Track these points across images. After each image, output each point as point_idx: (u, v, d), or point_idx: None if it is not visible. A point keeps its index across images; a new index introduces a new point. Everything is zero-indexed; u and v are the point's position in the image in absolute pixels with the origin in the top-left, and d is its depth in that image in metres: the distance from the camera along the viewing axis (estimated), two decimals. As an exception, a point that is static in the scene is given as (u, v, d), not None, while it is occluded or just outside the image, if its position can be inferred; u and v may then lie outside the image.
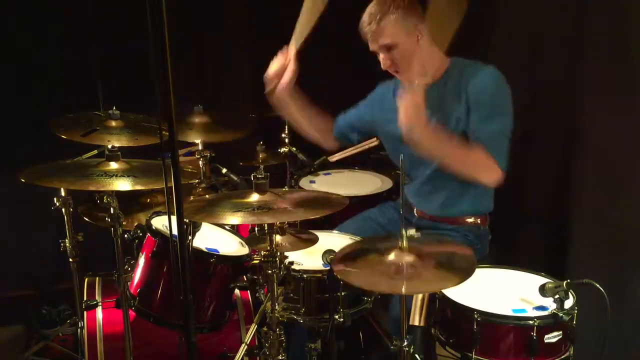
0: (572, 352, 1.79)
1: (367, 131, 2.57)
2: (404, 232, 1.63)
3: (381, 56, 2.22)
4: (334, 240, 2.24)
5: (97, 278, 2.30)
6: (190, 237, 1.81)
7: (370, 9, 2.18)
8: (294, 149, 2.87)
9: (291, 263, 1.88)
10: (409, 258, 1.61)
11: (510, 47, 2.59)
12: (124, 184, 1.81)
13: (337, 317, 1.92)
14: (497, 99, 2.11)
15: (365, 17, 2.18)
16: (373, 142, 2.82)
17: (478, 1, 2.69)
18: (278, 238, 1.83)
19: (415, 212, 2.38)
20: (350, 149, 2.95)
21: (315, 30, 2.14)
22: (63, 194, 2.31)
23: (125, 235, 2.09)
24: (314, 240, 1.94)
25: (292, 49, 2.20)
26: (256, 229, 1.86)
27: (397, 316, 1.78)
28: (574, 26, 2.28)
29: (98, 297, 2.21)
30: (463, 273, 1.59)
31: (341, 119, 2.58)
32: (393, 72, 2.26)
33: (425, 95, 1.98)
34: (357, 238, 2.24)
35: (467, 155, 2.07)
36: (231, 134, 2.71)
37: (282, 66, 2.22)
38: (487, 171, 2.06)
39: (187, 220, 1.72)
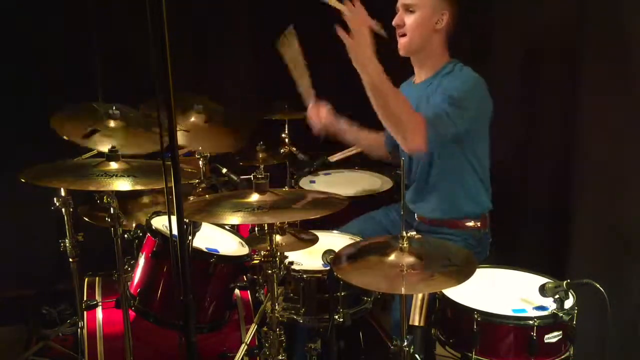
0: (572, 352, 1.79)
1: None
2: (404, 233, 1.63)
3: (399, 13, 2.21)
4: (334, 240, 2.24)
5: (97, 278, 2.31)
6: (190, 237, 1.81)
7: None
8: (294, 149, 2.87)
9: (291, 263, 1.88)
10: (409, 259, 1.61)
11: (510, 47, 2.59)
12: (124, 184, 1.81)
13: (337, 317, 1.92)
14: (463, 95, 2.08)
15: None
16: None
17: (478, 1, 2.72)
18: (278, 238, 1.83)
19: (416, 216, 2.38)
20: (350, 149, 2.95)
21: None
22: (63, 194, 2.31)
23: (125, 235, 2.09)
24: (314, 240, 1.94)
25: (308, 97, 2.41)
26: (256, 229, 1.86)
27: (399, 318, 1.79)
28: (574, 26, 2.28)
29: (98, 297, 2.22)
30: (463, 274, 1.59)
31: (388, 135, 2.56)
32: (399, 35, 2.24)
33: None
34: (358, 238, 2.24)
35: (406, 106, 2.01)
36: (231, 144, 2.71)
37: (314, 110, 2.47)
38: (414, 134, 1.99)
39: (187, 220, 1.72)
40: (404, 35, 2.22)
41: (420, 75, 2.34)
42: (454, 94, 2.07)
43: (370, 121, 2.15)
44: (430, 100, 2.18)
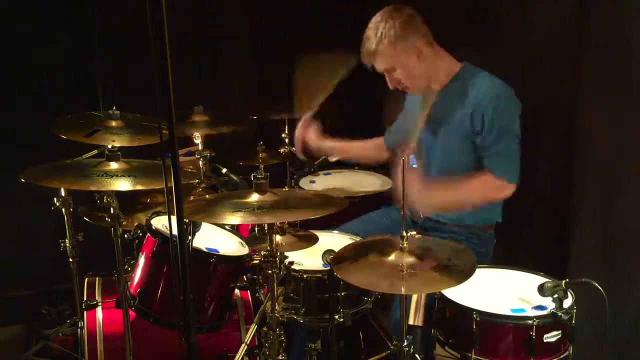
0: (571, 352, 1.79)
1: None
2: (404, 232, 1.63)
3: (387, 77, 2.26)
4: (334, 240, 2.24)
5: (97, 278, 2.30)
6: (190, 237, 1.81)
7: (365, 36, 2.20)
8: (294, 149, 2.87)
9: (291, 263, 1.88)
10: (409, 259, 1.61)
11: (510, 48, 2.59)
12: (124, 184, 1.81)
13: (337, 317, 1.92)
14: (505, 118, 2.14)
15: (362, 45, 2.21)
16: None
17: (479, 1, 2.72)
18: (278, 238, 1.83)
19: (421, 214, 2.37)
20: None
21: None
22: (63, 194, 2.31)
23: (125, 235, 2.09)
24: (314, 240, 1.94)
25: (307, 115, 2.55)
26: (256, 229, 1.86)
27: (398, 318, 1.79)
28: (575, 27, 2.28)
29: (98, 297, 2.21)
30: (463, 274, 1.60)
31: (390, 136, 2.64)
32: (402, 89, 2.30)
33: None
34: (358, 238, 2.24)
35: (475, 189, 2.15)
36: (231, 128, 2.72)
37: (303, 128, 2.59)
38: (498, 192, 2.17)
39: (187, 220, 1.72)
40: (406, 87, 2.28)
41: (435, 85, 2.32)
42: (492, 118, 2.12)
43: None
44: (457, 107, 2.21)
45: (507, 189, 2.14)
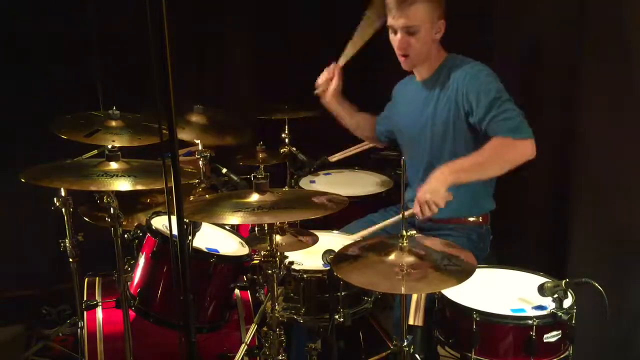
0: (571, 352, 1.79)
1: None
2: (404, 232, 1.64)
3: (398, 36, 2.23)
4: (334, 240, 2.24)
5: (97, 278, 2.30)
6: (190, 237, 1.81)
7: None
8: (294, 149, 2.87)
9: (291, 263, 1.88)
10: (409, 259, 1.61)
11: (510, 48, 2.59)
12: (124, 184, 1.81)
13: (337, 317, 1.92)
14: (490, 88, 2.14)
15: None
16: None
17: (479, 2, 2.72)
18: (278, 238, 1.83)
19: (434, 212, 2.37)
20: (350, 149, 2.96)
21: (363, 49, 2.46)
22: (63, 194, 2.31)
23: (125, 235, 2.09)
24: (314, 240, 1.94)
25: (339, 64, 2.55)
26: (256, 229, 1.86)
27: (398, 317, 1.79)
28: (574, 26, 2.28)
29: (98, 297, 2.21)
30: (463, 274, 1.60)
31: (378, 125, 2.69)
32: (401, 55, 2.28)
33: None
34: (357, 238, 2.24)
35: (493, 156, 2.09)
36: (231, 139, 2.72)
37: (329, 78, 2.57)
38: (518, 153, 2.08)
39: (187, 220, 1.72)
40: (406, 55, 2.26)
41: (421, 73, 2.37)
42: (476, 93, 2.13)
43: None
44: (442, 95, 2.24)
45: (523, 147, 2.07)
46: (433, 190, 2.04)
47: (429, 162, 2.30)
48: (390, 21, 2.23)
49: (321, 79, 2.60)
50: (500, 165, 2.10)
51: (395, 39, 2.25)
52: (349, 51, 2.51)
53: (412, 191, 2.37)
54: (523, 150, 2.08)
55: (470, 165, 2.09)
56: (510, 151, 2.08)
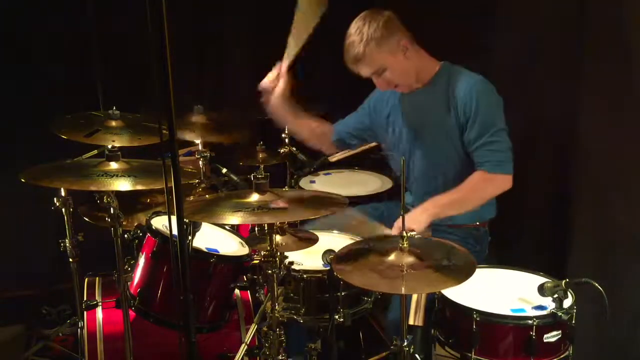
0: (571, 352, 1.80)
1: (366, 137, 2.59)
2: (404, 232, 1.64)
3: (376, 81, 2.25)
4: (334, 240, 2.24)
5: (97, 278, 2.30)
6: (190, 237, 1.81)
7: (349, 42, 2.18)
8: (294, 149, 2.87)
9: (291, 263, 1.88)
10: (409, 259, 1.61)
11: (510, 48, 2.59)
12: (124, 184, 1.81)
13: (337, 317, 1.92)
14: (488, 112, 2.14)
15: (346, 52, 2.19)
16: (373, 143, 2.83)
17: (478, 2, 2.72)
18: (278, 238, 1.83)
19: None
20: (350, 149, 2.95)
21: (309, 43, 2.23)
22: (63, 194, 2.31)
23: (125, 235, 2.09)
24: (314, 240, 1.94)
25: (284, 63, 2.32)
26: (256, 229, 1.86)
27: (396, 318, 1.79)
28: (574, 26, 2.28)
29: (98, 297, 2.21)
30: (463, 274, 1.59)
31: (340, 125, 2.60)
32: (392, 89, 2.30)
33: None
34: (358, 238, 2.24)
35: (472, 189, 2.14)
36: (230, 137, 2.72)
37: (275, 80, 2.35)
38: (496, 187, 2.15)
39: (187, 220, 1.72)
40: (397, 86, 2.27)
41: (417, 84, 2.32)
42: (475, 114, 2.13)
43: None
44: (439, 107, 2.22)
45: (502, 182, 2.13)
46: (415, 221, 2.06)
47: (423, 173, 2.30)
48: (362, 75, 2.23)
49: (264, 82, 2.37)
50: (478, 200, 2.17)
51: (376, 83, 2.27)
52: (293, 47, 2.26)
53: (415, 195, 2.37)
54: (501, 184, 2.14)
55: (449, 202, 2.14)
56: (489, 186, 2.15)
